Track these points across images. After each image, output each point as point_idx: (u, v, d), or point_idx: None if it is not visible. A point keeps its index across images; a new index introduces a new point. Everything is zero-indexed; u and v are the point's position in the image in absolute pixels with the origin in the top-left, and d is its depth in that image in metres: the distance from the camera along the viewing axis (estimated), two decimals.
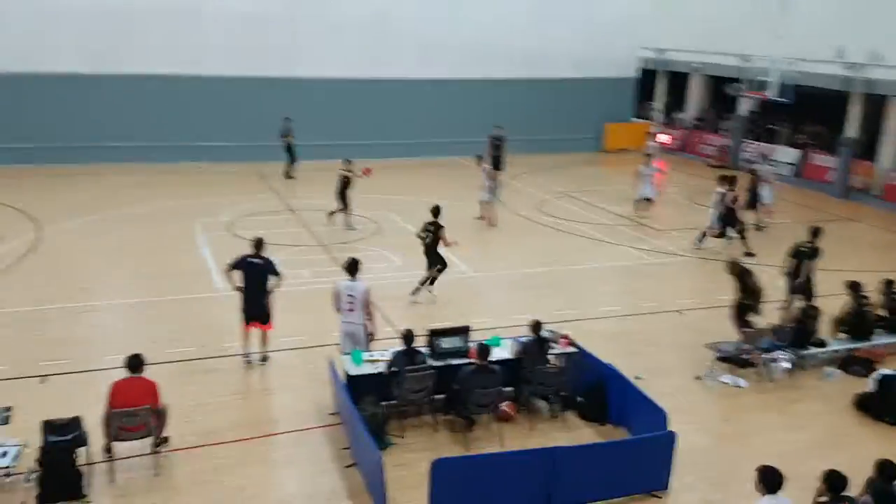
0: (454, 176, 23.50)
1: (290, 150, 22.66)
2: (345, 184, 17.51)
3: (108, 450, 8.03)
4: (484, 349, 9.11)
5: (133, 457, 8.18)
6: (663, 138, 29.99)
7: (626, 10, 28.00)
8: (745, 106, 27.08)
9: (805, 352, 11.22)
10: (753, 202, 18.62)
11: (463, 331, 9.74)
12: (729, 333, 11.34)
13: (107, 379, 8.32)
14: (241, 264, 10.52)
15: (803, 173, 25.46)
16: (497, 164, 19.99)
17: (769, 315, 11.76)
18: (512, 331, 10.61)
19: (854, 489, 6.63)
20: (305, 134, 23.06)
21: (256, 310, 10.54)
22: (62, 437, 7.71)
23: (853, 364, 11.17)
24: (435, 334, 9.64)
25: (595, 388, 9.61)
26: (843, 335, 11.70)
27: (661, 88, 31.15)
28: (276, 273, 10.59)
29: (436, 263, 13.51)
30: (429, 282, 13.51)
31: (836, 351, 11.43)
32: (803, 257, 12.60)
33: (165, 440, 8.41)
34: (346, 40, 25.37)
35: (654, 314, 13.20)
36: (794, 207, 18.77)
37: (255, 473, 8.34)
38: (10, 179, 20.79)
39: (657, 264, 16.03)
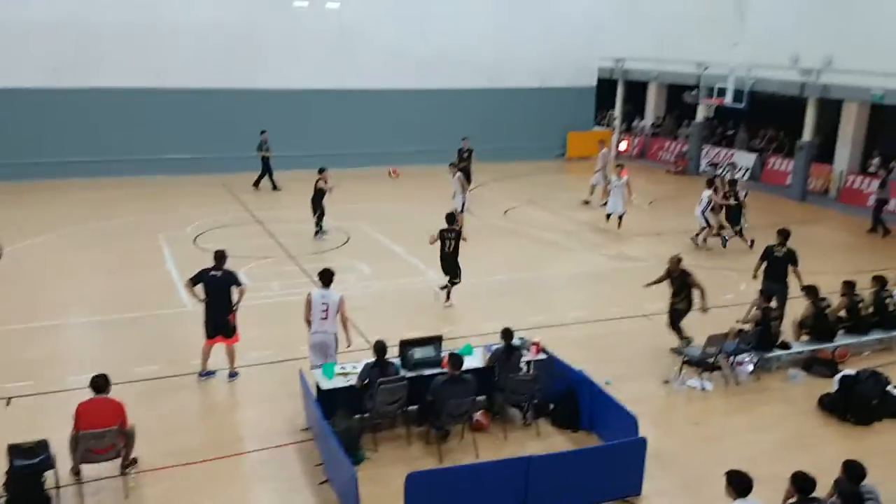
0: (422, 184, 23.57)
1: (264, 162, 22.55)
2: (318, 193, 17.48)
3: (77, 473, 7.89)
4: (456, 359, 9.08)
5: (102, 479, 8.03)
6: (622, 145, 30.48)
7: (585, 21, 28.59)
8: (702, 112, 27.61)
9: (770, 354, 11.44)
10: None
11: (435, 340, 9.73)
12: (697, 337, 11.46)
13: (73, 400, 8.15)
14: (202, 278, 10.44)
15: (761, 177, 26.02)
16: (468, 176, 20.10)
17: (730, 318, 11.94)
18: (483, 339, 10.65)
19: (821, 489, 6.78)
20: (271, 144, 22.88)
21: (220, 323, 10.43)
22: (29, 461, 7.54)
23: (816, 365, 11.40)
24: (407, 345, 9.60)
25: (566, 395, 9.68)
26: (806, 337, 11.95)
27: (620, 96, 31.65)
28: (238, 283, 10.52)
29: (455, 273, 13.61)
30: (446, 293, 13.65)
31: (800, 353, 11.66)
32: (774, 259, 12.60)
33: (134, 461, 8.27)
34: (311, 52, 25.30)
35: (622, 319, 13.35)
36: (754, 211, 19.11)
37: (227, 493, 8.22)
38: None
39: (622, 269, 16.22)
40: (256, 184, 22.66)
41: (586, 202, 21.82)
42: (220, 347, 10.61)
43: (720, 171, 20.37)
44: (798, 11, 22.63)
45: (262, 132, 22.48)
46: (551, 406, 9.76)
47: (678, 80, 28.08)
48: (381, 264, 16.04)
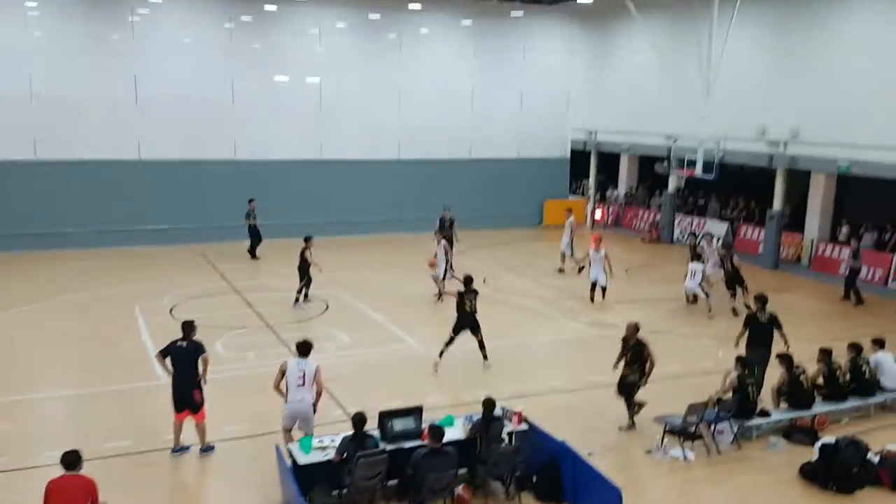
0: (401, 252, 23.73)
1: (252, 231, 22.63)
2: (304, 261, 17.52)
3: None
4: (437, 430, 8.94)
5: None
6: (597, 214, 31.02)
7: (558, 97, 30.02)
8: (673, 183, 28.25)
9: (750, 422, 11.44)
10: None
11: (415, 411, 9.59)
12: (678, 406, 11.41)
13: (44, 476, 7.89)
14: (170, 350, 10.34)
15: (734, 246, 26.41)
16: (450, 243, 20.37)
17: (709, 386, 11.95)
18: (464, 408, 10.55)
19: None
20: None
21: (187, 396, 10.25)
22: None
23: (797, 433, 11.39)
24: (386, 416, 9.45)
25: (549, 466, 9.55)
26: (784, 405, 11.98)
27: (594, 167, 32.37)
28: (203, 351, 10.41)
29: (478, 330, 13.88)
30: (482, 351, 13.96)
31: (780, 421, 11.66)
32: (758, 326, 12.63)
33: None
34: (291, 124, 25.83)
35: (602, 388, 13.28)
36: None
37: None
38: None
39: (601, 337, 16.23)
40: (252, 252, 22.68)
41: (561, 270, 22.11)
42: (191, 421, 10.41)
43: (699, 239, 20.62)
44: (764, 85, 23.50)
45: (251, 200, 22.64)
46: (534, 478, 9.62)
47: (649, 152, 28.79)
48: (361, 333, 15.96)
